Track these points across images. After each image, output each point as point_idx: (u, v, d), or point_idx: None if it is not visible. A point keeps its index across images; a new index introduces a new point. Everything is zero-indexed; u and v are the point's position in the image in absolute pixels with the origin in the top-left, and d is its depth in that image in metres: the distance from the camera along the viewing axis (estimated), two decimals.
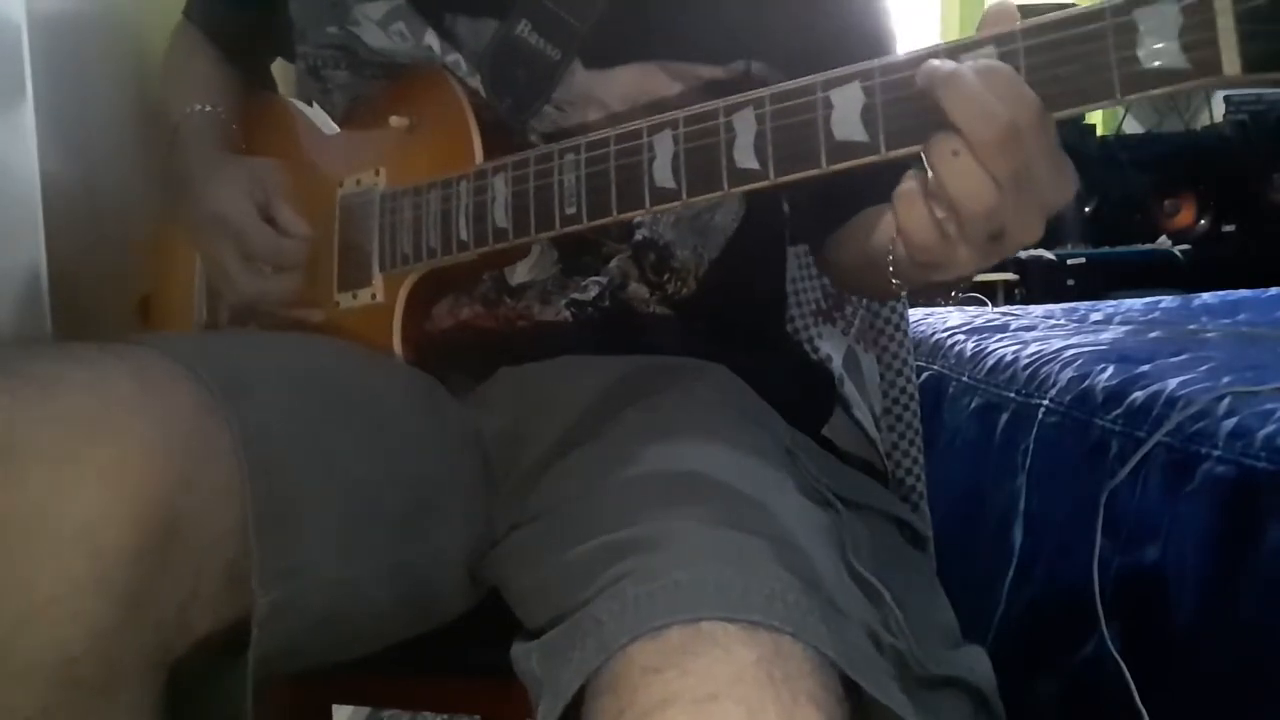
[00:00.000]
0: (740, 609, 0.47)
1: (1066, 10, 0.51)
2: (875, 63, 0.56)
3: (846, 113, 0.57)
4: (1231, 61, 0.47)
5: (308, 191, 0.85)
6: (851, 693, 0.48)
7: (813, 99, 0.58)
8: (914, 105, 0.54)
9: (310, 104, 0.89)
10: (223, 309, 0.93)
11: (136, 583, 0.52)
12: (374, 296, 0.82)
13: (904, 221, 0.54)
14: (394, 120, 0.81)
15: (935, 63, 0.52)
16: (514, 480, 0.74)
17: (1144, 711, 0.81)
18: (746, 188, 0.62)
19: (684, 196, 0.64)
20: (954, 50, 0.54)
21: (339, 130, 0.89)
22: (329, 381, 0.69)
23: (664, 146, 0.64)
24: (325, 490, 0.63)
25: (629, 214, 0.67)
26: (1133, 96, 0.50)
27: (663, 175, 0.64)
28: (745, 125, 0.61)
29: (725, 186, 0.62)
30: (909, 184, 0.54)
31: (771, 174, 0.60)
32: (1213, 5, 0.47)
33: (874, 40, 0.82)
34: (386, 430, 0.70)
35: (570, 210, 0.69)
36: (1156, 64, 0.49)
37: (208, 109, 0.92)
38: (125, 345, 0.58)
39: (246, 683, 0.57)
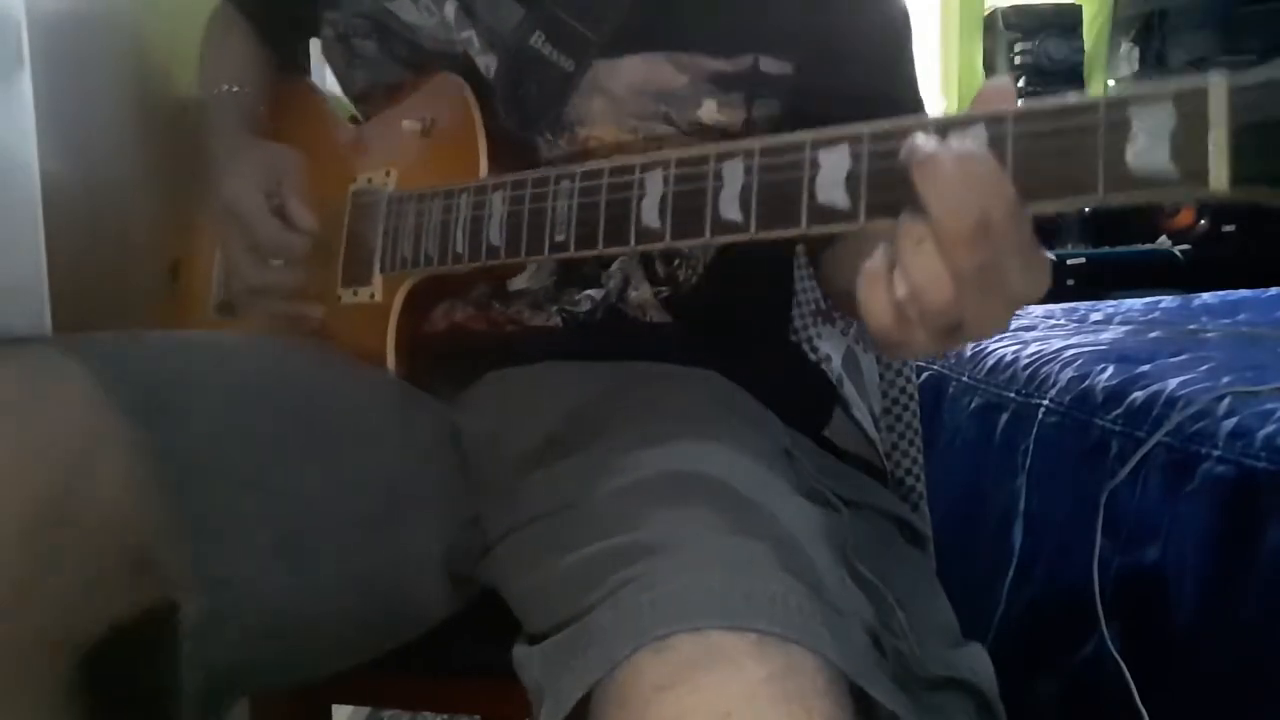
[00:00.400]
0: (745, 616, 0.47)
1: (1063, 99, 0.49)
2: (865, 127, 0.55)
3: (831, 176, 0.55)
4: (1219, 177, 0.45)
5: (323, 182, 0.86)
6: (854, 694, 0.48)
7: (800, 157, 0.57)
8: (898, 177, 0.52)
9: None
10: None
11: (24, 564, 0.54)
12: (372, 295, 0.83)
13: (865, 301, 0.53)
14: (407, 124, 0.82)
15: (920, 139, 0.50)
16: (499, 484, 0.74)
17: (1144, 711, 0.81)
18: (727, 239, 0.61)
19: (667, 239, 0.63)
20: (945, 125, 0.52)
21: (361, 123, 0.90)
22: (273, 391, 0.69)
23: (654, 186, 0.63)
24: (254, 502, 0.63)
25: (613, 249, 0.66)
26: (1116, 197, 0.48)
27: (650, 215, 0.64)
28: (733, 175, 0.60)
29: (707, 234, 0.61)
30: (875, 263, 0.53)
31: (753, 228, 0.59)
32: (1207, 116, 0.45)
33: (885, 41, 0.81)
34: (345, 436, 0.70)
35: (559, 238, 0.69)
36: (1144, 168, 0.47)
37: (235, 90, 0.93)
38: (24, 344, 0.61)
39: (178, 683, 0.57)
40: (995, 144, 0.50)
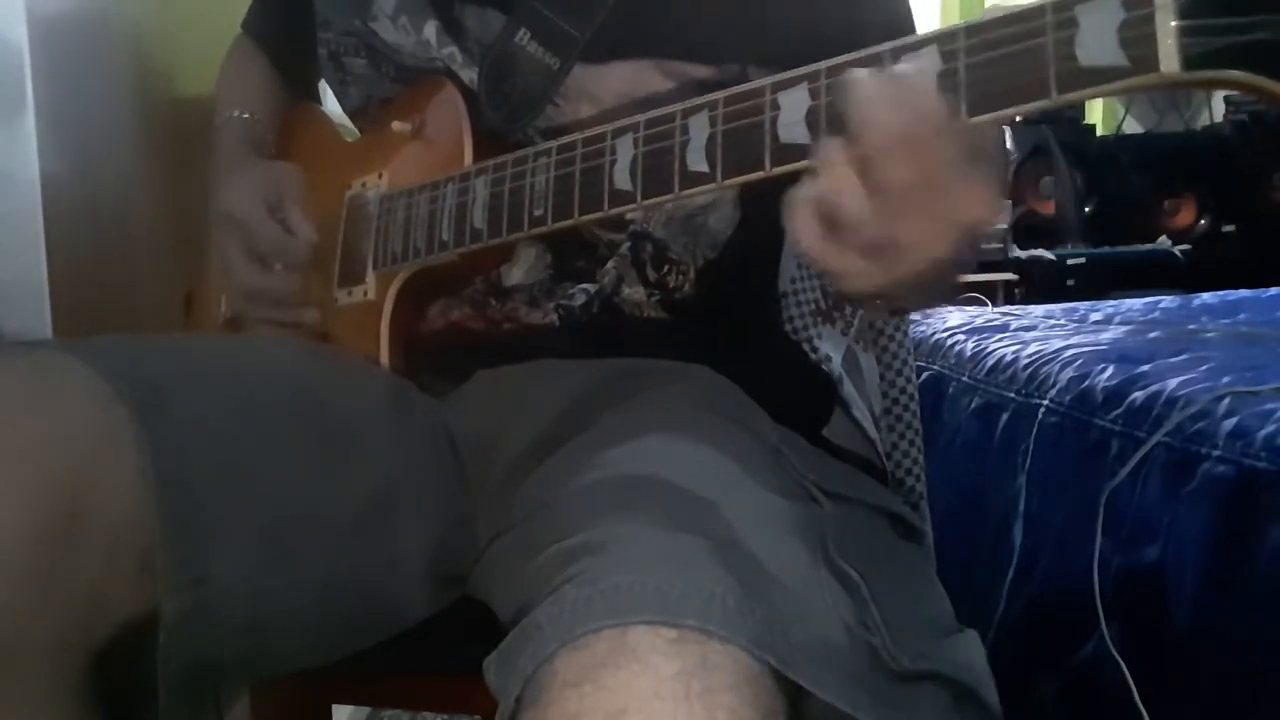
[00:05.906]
0: (678, 613, 0.47)
1: (1010, 8, 0.50)
2: (823, 64, 0.56)
3: (792, 115, 0.57)
4: (1169, 59, 0.47)
5: (323, 193, 0.88)
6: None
7: (761, 101, 0.58)
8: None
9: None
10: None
11: (38, 562, 0.54)
12: (366, 294, 0.84)
13: (791, 227, 0.53)
14: (396, 125, 0.83)
15: (853, 71, 0.52)
16: (491, 486, 0.74)
17: (1144, 711, 0.81)
18: (694, 190, 0.62)
19: (638, 199, 0.64)
20: (898, 51, 0.53)
21: (360, 136, 0.92)
22: (271, 392, 0.69)
23: (625, 150, 0.65)
24: (242, 503, 0.63)
25: (589, 216, 0.67)
26: (1069, 96, 0.49)
27: (621, 178, 0.65)
28: (699, 128, 0.61)
29: (676, 189, 0.62)
30: (798, 188, 0.53)
31: (719, 176, 0.60)
32: (1153, 1, 0.46)
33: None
34: (337, 438, 0.70)
35: (538, 212, 0.70)
36: (1095, 62, 0.48)
37: (244, 116, 0.95)
38: (30, 345, 0.62)
39: (158, 682, 0.57)
40: (948, 59, 0.52)
